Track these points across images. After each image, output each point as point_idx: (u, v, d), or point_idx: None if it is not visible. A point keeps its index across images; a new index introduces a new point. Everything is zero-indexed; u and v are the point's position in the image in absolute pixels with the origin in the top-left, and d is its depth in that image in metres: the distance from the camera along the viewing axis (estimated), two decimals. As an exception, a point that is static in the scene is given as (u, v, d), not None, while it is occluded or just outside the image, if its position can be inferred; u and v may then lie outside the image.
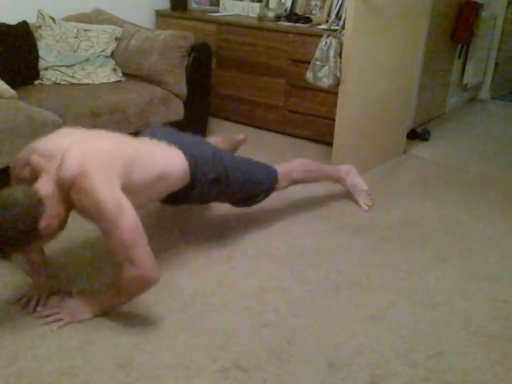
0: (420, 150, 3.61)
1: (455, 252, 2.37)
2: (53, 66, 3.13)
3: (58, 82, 3.10)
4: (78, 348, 1.69)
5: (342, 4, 3.47)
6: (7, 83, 2.76)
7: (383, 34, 2.91)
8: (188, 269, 2.15)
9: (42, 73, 3.12)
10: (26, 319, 1.81)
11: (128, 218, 1.67)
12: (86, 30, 3.28)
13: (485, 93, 5.09)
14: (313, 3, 3.76)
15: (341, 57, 2.77)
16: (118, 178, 1.73)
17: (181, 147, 2.07)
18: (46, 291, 1.91)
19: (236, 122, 3.91)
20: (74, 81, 3.13)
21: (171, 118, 3.19)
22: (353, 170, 2.75)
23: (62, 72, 3.13)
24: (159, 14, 4.06)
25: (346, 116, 2.88)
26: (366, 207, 2.71)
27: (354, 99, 2.88)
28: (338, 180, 2.75)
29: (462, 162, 3.44)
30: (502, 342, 1.81)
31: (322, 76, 2.83)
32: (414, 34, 3.18)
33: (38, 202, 1.64)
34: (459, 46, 4.29)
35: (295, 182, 2.51)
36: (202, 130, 3.47)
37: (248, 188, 2.31)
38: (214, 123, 3.84)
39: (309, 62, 2.92)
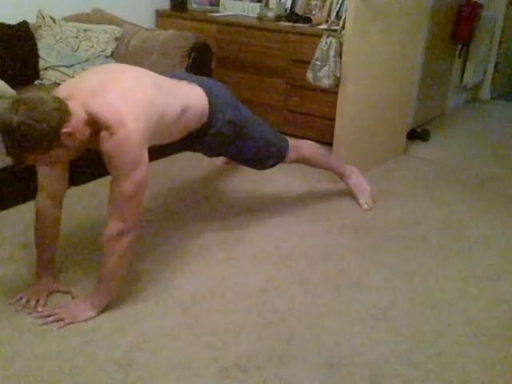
0: (420, 150, 3.61)
1: (455, 252, 2.37)
2: (53, 66, 3.13)
3: (58, 82, 3.10)
4: (78, 348, 1.69)
5: (341, 4, 3.46)
6: (7, 83, 2.76)
7: (383, 34, 2.91)
8: (188, 269, 2.15)
9: (42, 73, 3.12)
10: (26, 319, 1.81)
11: (140, 174, 1.71)
12: (86, 30, 3.28)
13: (485, 93, 5.09)
14: (313, 3, 3.76)
15: (341, 57, 2.77)
16: (150, 129, 1.76)
17: (200, 85, 2.11)
18: (46, 291, 1.91)
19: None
20: (74, 81, 3.13)
21: (171, 118, 3.19)
22: (356, 171, 2.77)
23: (61, 72, 3.13)
24: (159, 14, 4.06)
25: (346, 116, 2.88)
26: (367, 207, 2.71)
27: (354, 99, 2.88)
28: (341, 175, 2.75)
29: (462, 162, 3.44)
30: (502, 342, 1.81)
31: (322, 76, 2.83)
32: (414, 34, 3.18)
33: (65, 109, 1.63)
34: (459, 46, 4.29)
35: (303, 158, 2.53)
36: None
37: (261, 145, 2.33)
38: (214, 123, 3.84)
39: (309, 62, 2.91)
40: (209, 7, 4.15)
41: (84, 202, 2.60)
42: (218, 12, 4.04)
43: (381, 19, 2.85)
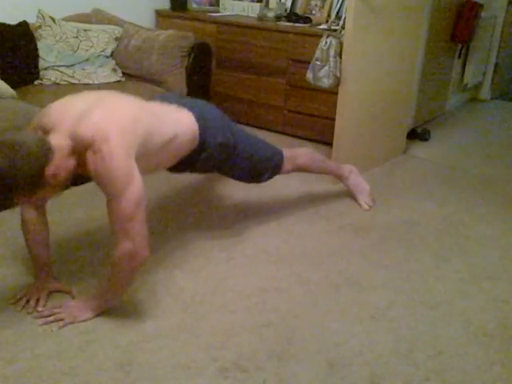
0: (420, 149, 3.61)
1: (455, 252, 2.37)
2: (53, 66, 3.13)
3: (57, 81, 3.11)
4: (78, 348, 1.69)
5: (341, 4, 3.47)
6: (7, 83, 2.76)
7: (383, 33, 2.91)
8: (188, 269, 2.15)
9: (42, 73, 3.12)
10: (26, 319, 1.81)
11: (135, 190, 1.67)
12: (86, 30, 3.28)
13: (485, 93, 5.09)
14: (313, 3, 3.76)
15: (341, 57, 2.77)
16: (136, 145, 1.73)
17: (191, 109, 2.08)
18: (46, 291, 1.91)
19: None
20: (73, 81, 3.13)
21: (171, 118, 3.19)
22: (355, 170, 2.76)
23: (61, 72, 3.13)
24: (159, 14, 4.06)
25: (346, 116, 2.88)
26: (367, 206, 2.71)
27: (354, 99, 2.88)
28: (340, 177, 2.75)
29: (462, 162, 3.44)
30: (502, 342, 1.81)
31: (322, 76, 2.83)
32: (414, 34, 3.18)
33: (47, 149, 1.62)
34: (459, 46, 4.29)
35: (300, 167, 2.51)
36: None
37: (255, 161, 2.30)
38: (214, 123, 3.84)
39: (309, 62, 2.91)
40: (209, 7, 4.15)
41: (84, 202, 2.60)
42: (217, 12, 4.04)
43: (381, 19, 2.85)
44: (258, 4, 3.90)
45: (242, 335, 1.79)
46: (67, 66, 3.16)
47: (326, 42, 2.79)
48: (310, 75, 2.92)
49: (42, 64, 3.12)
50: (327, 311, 1.93)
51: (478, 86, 5.02)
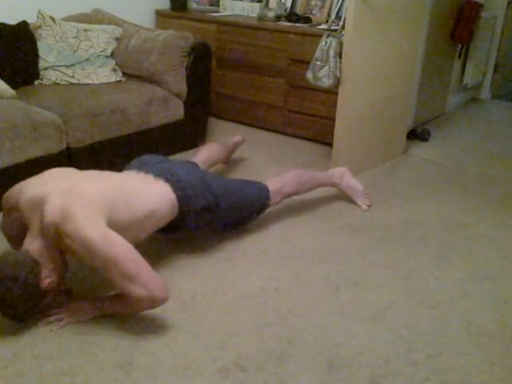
0: (420, 149, 3.61)
1: (455, 252, 2.37)
2: (53, 66, 3.13)
3: (58, 82, 3.11)
4: (78, 348, 1.69)
5: (342, 4, 3.47)
6: (7, 83, 2.76)
7: (383, 33, 2.91)
8: (188, 269, 2.15)
9: (42, 73, 3.12)
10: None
11: (119, 247, 1.66)
12: (85, 30, 3.28)
13: (485, 93, 5.09)
14: (313, 3, 3.76)
15: (341, 57, 2.77)
16: (101, 215, 1.72)
17: (168, 179, 2.05)
18: (46, 291, 1.92)
19: (236, 121, 3.91)
20: (74, 81, 3.13)
21: (171, 118, 3.19)
22: (347, 172, 2.74)
23: (61, 72, 3.13)
24: (159, 14, 4.06)
25: (346, 116, 2.88)
26: (366, 207, 2.71)
27: (353, 99, 2.88)
28: (333, 185, 2.74)
29: (462, 162, 3.44)
30: (502, 342, 1.81)
31: (321, 76, 2.83)
32: (414, 34, 3.18)
33: (33, 266, 1.66)
34: (459, 46, 4.29)
35: (288, 194, 2.50)
36: (201, 129, 3.47)
37: (240, 211, 2.30)
38: (214, 123, 3.85)
39: (309, 62, 2.91)
40: (209, 7, 4.15)
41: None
42: (217, 12, 4.04)
43: (381, 19, 2.85)
44: (258, 4, 3.90)
45: (242, 335, 1.79)
46: (67, 66, 3.16)
47: (326, 42, 2.79)
48: (309, 75, 2.92)
49: (42, 64, 3.12)
50: (327, 311, 1.93)
51: (477, 86, 5.02)
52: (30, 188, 1.82)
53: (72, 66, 3.17)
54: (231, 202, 2.23)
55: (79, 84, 3.12)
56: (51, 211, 1.67)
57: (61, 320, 1.79)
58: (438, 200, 2.87)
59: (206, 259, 2.22)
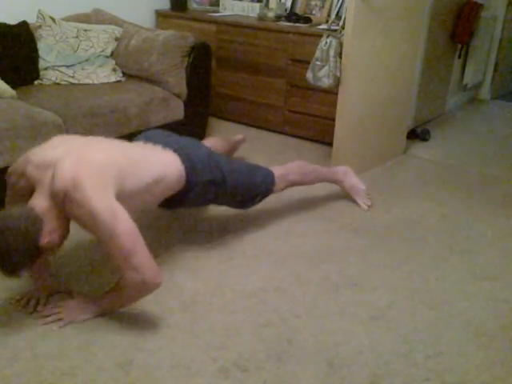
0: (420, 149, 3.61)
1: (455, 252, 2.37)
2: (53, 66, 3.13)
3: (57, 82, 3.10)
4: (78, 348, 1.69)
5: (341, 4, 3.47)
6: (7, 83, 2.76)
7: (383, 33, 2.91)
8: (188, 269, 2.15)
9: (42, 73, 3.12)
10: (26, 319, 1.81)
11: (124, 225, 1.66)
12: (86, 30, 3.28)
13: (485, 93, 5.09)
14: (313, 3, 3.76)
15: (341, 57, 2.77)
16: (111, 186, 1.72)
17: (176, 150, 2.06)
18: (46, 291, 1.92)
19: (236, 121, 3.91)
20: (74, 81, 3.13)
21: (171, 118, 3.19)
22: (350, 171, 2.75)
23: (61, 72, 3.13)
24: (159, 14, 4.07)
25: (346, 116, 2.88)
26: (366, 207, 2.71)
27: (353, 99, 2.88)
28: (335, 181, 2.75)
29: (462, 162, 3.44)
30: (502, 342, 1.81)
31: (321, 76, 2.83)
32: (414, 34, 3.18)
33: (36, 220, 1.65)
34: (459, 46, 4.29)
35: (292, 183, 2.51)
36: (201, 129, 3.47)
37: (245, 191, 2.30)
38: (214, 123, 3.85)
39: (309, 62, 2.92)
40: (209, 7, 4.15)
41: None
42: (217, 12, 4.04)
43: (381, 19, 2.85)
44: (258, 4, 3.90)
45: (242, 335, 1.79)
46: (67, 66, 3.15)
47: (326, 42, 2.79)
48: (309, 75, 2.92)
49: (42, 64, 3.12)
50: (327, 311, 1.93)
51: (477, 86, 5.02)
52: (39, 154, 1.81)
53: (72, 65, 3.17)
54: (237, 180, 2.24)
55: (79, 84, 3.12)
56: (62, 177, 1.67)
57: (61, 320, 1.79)
58: (438, 200, 2.87)
59: (206, 259, 2.22)
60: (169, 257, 2.22)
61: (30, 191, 1.78)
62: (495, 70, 5.01)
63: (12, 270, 1.64)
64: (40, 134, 2.53)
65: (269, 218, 2.57)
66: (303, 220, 2.59)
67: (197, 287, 2.03)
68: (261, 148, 3.46)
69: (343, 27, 2.76)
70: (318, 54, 2.83)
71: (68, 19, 3.33)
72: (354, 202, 2.74)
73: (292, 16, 3.65)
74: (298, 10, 3.81)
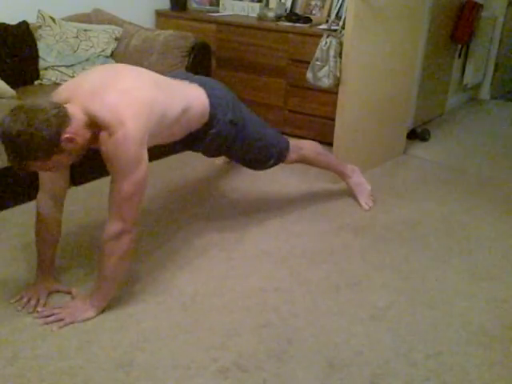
0: (420, 150, 3.61)
1: (455, 252, 2.37)
2: (53, 66, 3.13)
3: (58, 82, 3.10)
4: (78, 348, 1.69)
5: (341, 4, 3.46)
6: (7, 83, 2.76)
7: (383, 33, 2.91)
8: (188, 269, 2.15)
9: (42, 73, 3.12)
10: (26, 319, 1.81)
11: (139, 174, 1.71)
12: (86, 30, 3.28)
13: (485, 93, 5.09)
14: (313, 3, 3.76)
15: (341, 57, 2.77)
16: (150, 128, 1.76)
17: (201, 85, 2.11)
18: (46, 291, 1.92)
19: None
20: (74, 81, 3.13)
21: (171, 118, 3.19)
22: (357, 170, 2.77)
23: (61, 72, 3.13)
24: (159, 14, 4.06)
25: (346, 116, 2.88)
26: (367, 207, 2.71)
27: (353, 99, 2.88)
28: (343, 175, 2.75)
29: (462, 162, 3.44)
30: (502, 342, 1.81)
31: (322, 76, 2.83)
32: (414, 34, 3.18)
33: (65, 117, 1.63)
34: (459, 46, 4.29)
35: (304, 158, 2.54)
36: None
37: (261, 146, 2.33)
38: (214, 123, 3.84)
39: (309, 62, 2.91)
40: (209, 7, 4.15)
41: (84, 202, 2.60)
42: (217, 12, 4.04)
43: (381, 19, 2.85)
44: (258, 4, 3.90)
45: (242, 335, 1.79)
46: (67, 66, 3.15)
47: (326, 42, 2.79)
48: (309, 75, 2.92)
49: (42, 64, 3.12)
50: (327, 311, 1.93)
51: (477, 86, 5.02)
52: (79, 77, 1.87)
53: (72, 66, 3.17)
54: (256, 131, 2.29)
55: (79, 84, 3.12)
56: (110, 109, 1.67)
57: (61, 320, 1.79)
58: (438, 200, 2.87)
59: (206, 259, 2.22)
60: (169, 257, 2.22)
61: None
62: (495, 70, 5.01)
63: (25, 156, 1.58)
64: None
65: (269, 219, 2.57)
66: (303, 220, 2.59)
67: (197, 287, 2.03)
68: (261, 148, 3.46)
69: (343, 27, 2.76)
70: (317, 54, 2.83)
71: (68, 19, 3.33)
72: (356, 200, 2.74)
73: (292, 16, 3.64)
74: (298, 10, 3.81)
